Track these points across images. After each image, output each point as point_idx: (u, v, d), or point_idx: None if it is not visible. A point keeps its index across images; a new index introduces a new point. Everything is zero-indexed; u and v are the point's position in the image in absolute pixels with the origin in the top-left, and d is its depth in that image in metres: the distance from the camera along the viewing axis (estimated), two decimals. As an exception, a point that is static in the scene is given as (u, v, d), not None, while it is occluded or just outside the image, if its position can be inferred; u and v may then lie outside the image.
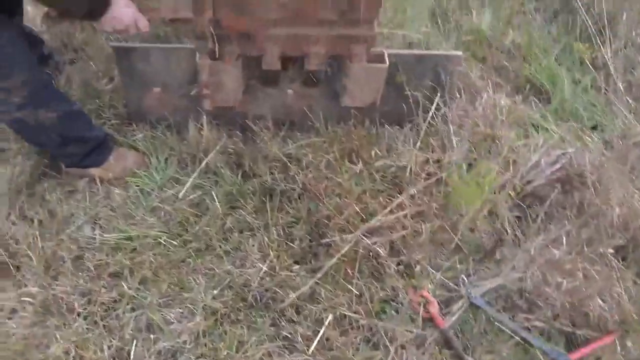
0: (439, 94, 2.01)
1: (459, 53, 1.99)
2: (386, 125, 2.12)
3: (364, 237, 1.68)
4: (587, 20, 2.49)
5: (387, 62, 1.86)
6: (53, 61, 2.21)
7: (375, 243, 1.68)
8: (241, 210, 1.83)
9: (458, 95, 2.06)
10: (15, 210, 1.79)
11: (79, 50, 2.37)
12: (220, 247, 1.76)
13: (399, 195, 1.80)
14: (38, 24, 2.30)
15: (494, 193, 1.82)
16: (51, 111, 1.66)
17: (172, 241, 1.76)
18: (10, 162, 1.93)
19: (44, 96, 1.64)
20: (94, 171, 1.93)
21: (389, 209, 1.69)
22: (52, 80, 1.94)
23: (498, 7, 2.73)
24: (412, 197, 1.76)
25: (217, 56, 1.74)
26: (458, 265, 1.77)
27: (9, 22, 1.52)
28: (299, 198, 1.87)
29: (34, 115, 1.63)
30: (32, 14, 2.36)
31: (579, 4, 2.64)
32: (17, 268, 1.68)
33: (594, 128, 2.28)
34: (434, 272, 1.73)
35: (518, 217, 1.86)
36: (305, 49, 1.79)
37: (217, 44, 1.70)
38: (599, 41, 2.47)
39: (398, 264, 1.73)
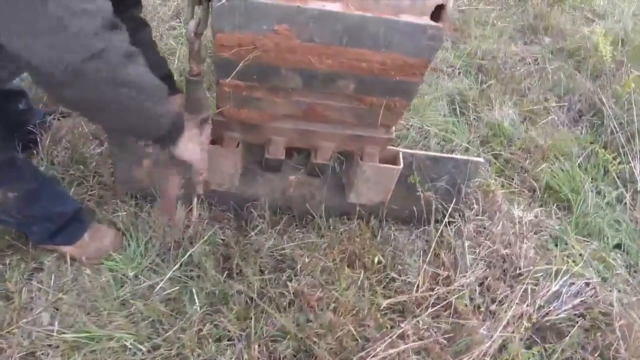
0: (454, 201, 1.84)
1: (480, 160, 1.81)
2: (393, 228, 1.93)
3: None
4: (615, 127, 2.33)
5: (402, 164, 1.69)
6: (30, 117, 1.95)
7: (370, 379, 1.46)
8: (222, 316, 1.61)
9: (475, 204, 1.88)
10: (-32, 292, 1.58)
11: (72, 104, 2.20)
12: (193, 356, 1.54)
13: (401, 319, 1.59)
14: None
15: (507, 325, 1.61)
16: (12, 190, 1.46)
17: (139, 345, 1.54)
18: (-29, 232, 1.72)
19: (7, 175, 1.45)
20: (66, 249, 1.72)
21: (389, 339, 1.47)
22: (19, 155, 1.68)
23: (520, 101, 2.59)
24: (417, 325, 1.55)
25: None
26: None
27: None
28: (289, 306, 1.66)
29: None
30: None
31: (607, 106, 2.49)
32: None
33: (617, 246, 2.09)
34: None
35: (532, 354, 1.65)
36: (314, 143, 1.62)
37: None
38: (627, 151, 2.31)
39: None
